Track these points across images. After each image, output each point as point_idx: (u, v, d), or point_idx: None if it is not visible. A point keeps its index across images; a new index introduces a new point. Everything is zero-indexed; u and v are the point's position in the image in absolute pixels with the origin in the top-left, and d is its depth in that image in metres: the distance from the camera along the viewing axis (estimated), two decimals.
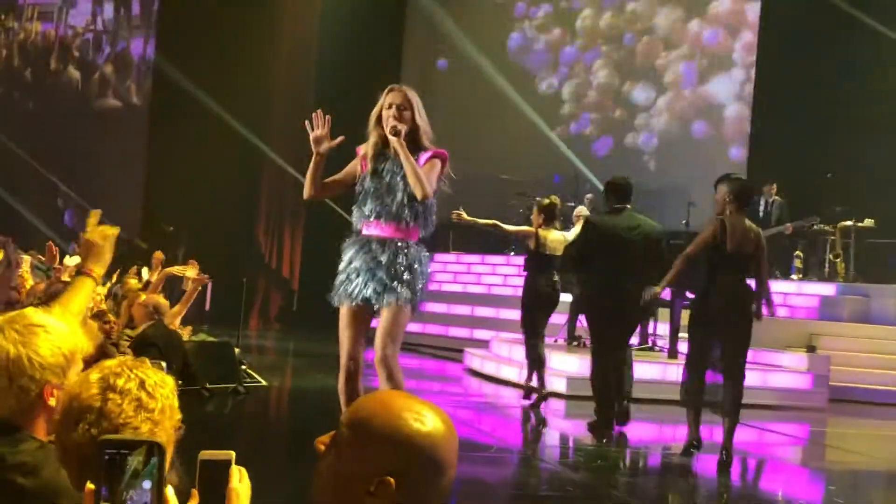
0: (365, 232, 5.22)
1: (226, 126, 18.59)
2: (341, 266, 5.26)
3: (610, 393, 8.15)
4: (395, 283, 5.09)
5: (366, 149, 5.28)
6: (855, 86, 15.81)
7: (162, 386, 1.81)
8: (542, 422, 9.83)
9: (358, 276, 5.15)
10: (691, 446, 7.38)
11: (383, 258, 5.10)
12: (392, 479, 1.64)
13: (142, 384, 1.77)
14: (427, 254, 5.32)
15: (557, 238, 9.44)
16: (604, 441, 8.01)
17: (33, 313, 2.24)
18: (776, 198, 13.47)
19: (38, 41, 21.76)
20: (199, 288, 9.37)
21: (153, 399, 1.77)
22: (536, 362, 9.68)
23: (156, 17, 21.27)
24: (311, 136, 5.18)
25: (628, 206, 8.18)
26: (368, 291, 5.12)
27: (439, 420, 1.72)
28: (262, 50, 20.14)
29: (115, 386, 1.75)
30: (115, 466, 1.44)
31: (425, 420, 1.70)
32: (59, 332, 2.21)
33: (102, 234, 3.06)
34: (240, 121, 18.82)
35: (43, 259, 10.22)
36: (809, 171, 15.70)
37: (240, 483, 1.71)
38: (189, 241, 18.54)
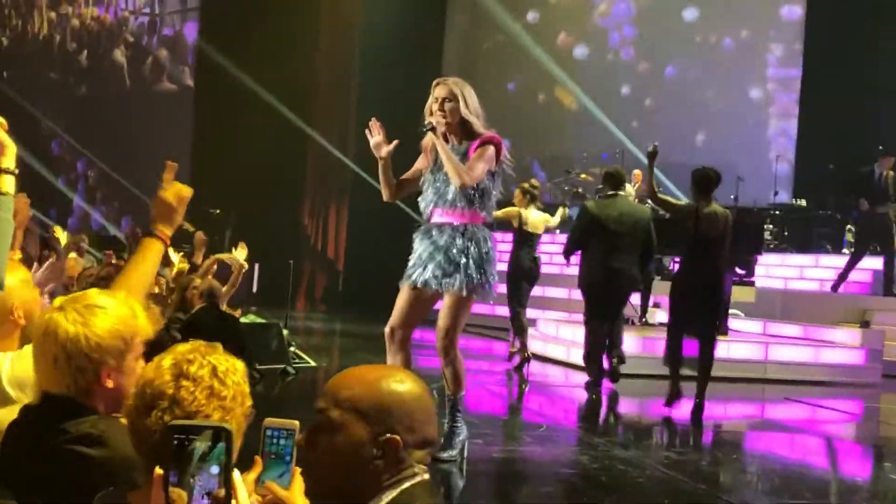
0: (430, 220, 5.52)
1: (270, 108, 18.66)
2: (412, 255, 5.57)
3: (599, 359, 9.11)
4: (453, 267, 5.33)
5: (427, 143, 5.54)
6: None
7: (234, 372, 1.80)
8: (593, 401, 9.79)
9: (422, 261, 5.45)
10: (673, 397, 8.30)
11: (442, 242, 5.38)
12: (397, 436, 1.80)
13: (214, 371, 1.77)
14: (488, 235, 5.46)
15: (538, 218, 10.36)
16: (594, 397, 9.10)
17: (96, 294, 2.23)
18: (890, 172, 12.80)
19: (93, 26, 21.95)
20: (244, 270, 9.40)
21: (225, 386, 1.77)
22: (520, 330, 10.60)
23: (199, 1, 21.36)
24: (371, 143, 5.45)
25: (621, 194, 9.05)
26: (428, 275, 5.40)
27: (410, 378, 1.90)
28: (306, 32, 20.18)
29: (188, 373, 1.75)
30: (183, 451, 1.44)
31: (402, 380, 1.88)
32: (119, 315, 2.20)
33: (177, 192, 2.81)
34: (284, 103, 18.87)
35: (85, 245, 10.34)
36: (859, 145, 15.45)
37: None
38: (235, 223, 18.68)
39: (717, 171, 8.19)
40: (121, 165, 20.79)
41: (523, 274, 10.41)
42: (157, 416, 1.70)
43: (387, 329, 5.61)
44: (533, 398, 9.92)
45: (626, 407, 9.76)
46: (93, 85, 21.59)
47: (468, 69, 19.77)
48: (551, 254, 16.61)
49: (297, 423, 1.76)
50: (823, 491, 6.32)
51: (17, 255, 7.36)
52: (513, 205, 10.44)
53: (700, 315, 7.99)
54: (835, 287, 13.07)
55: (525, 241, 10.36)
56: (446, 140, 5.44)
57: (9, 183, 2.42)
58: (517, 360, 10.75)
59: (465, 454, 5.88)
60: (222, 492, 1.45)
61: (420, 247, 5.51)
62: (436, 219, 5.49)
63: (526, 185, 10.52)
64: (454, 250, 5.36)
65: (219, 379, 1.77)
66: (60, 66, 22.19)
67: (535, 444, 6.89)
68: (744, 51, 18.18)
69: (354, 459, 1.80)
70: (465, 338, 13.77)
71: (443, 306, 5.54)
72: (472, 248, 5.36)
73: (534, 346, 12.22)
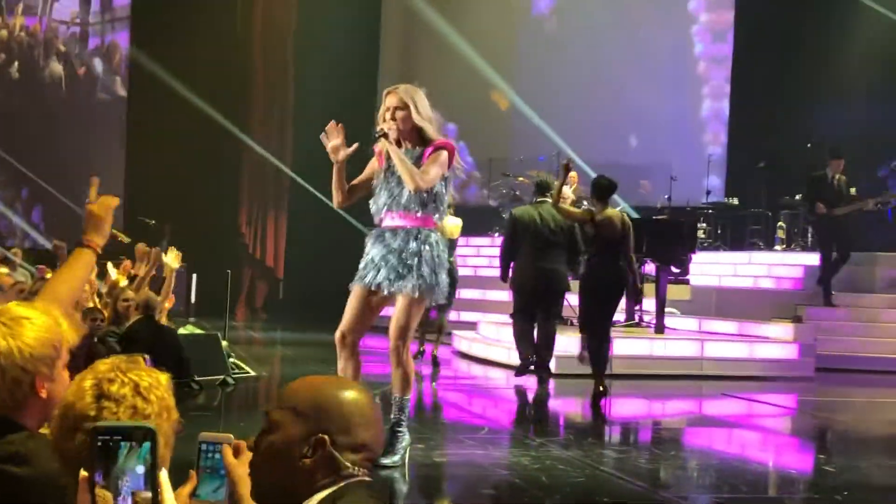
0: (382, 224, 5.63)
1: (205, 116, 18.50)
2: (363, 258, 5.67)
3: (526, 344, 9.86)
4: (406, 269, 5.44)
5: (380, 148, 5.62)
6: (833, 50, 15.86)
7: (157, 387, 1.79)
8: (532, 402, 9.88)
9: (374, 264, 5.55)
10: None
11: (395, 245, 5.49)
12: (326, 437, 1.83)
13: (136, 388, 1.76)
14: (440, 239, 5.60)
15: (454, 224, 11.22)
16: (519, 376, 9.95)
17: (16, 306, 2.22)
18: (842, 176, 12.82)
19: (23, 36, 21.56)
20: (174, 274, 9.29)
21: (148, 402, 1.76)
22: (440, 329, 11.68)
23: (129, 8, 21.08)
24: (329, 146, 5.50)
25: (547, 200, 9.58)
26: (381, 277, 5.51)
27: (355, 386, 1.95)
28: (240, 38, 20.06)
29: (110, 393, 1.74)
30: (108, 452, 1.45)
31: (343, 385, 1.94)
32: (45, 324, 2.19)
33: (104, 204, 2.91)
34: (219, 110, 18.72)
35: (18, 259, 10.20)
36: (789, 142, 15.76)
37: (237, 457, 1.82)
38: (171, 234, 18.48)
39: (612, 180, 8.89)
40: (53, 178, 20.47)
41: None
42: (82, 438, 1.68)
43: (337, 334, 5.66)
44: (475, 401, 9.98)
45: (566, 407, 9.87)
46: (25, 97, 21.23)
47: (405, 73, 19.82)
48: (490, 257, 16.69)
49: (230, 436, 1.78)
50: (761, 484, 6.45)
51: None
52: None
53: (602, 310, 8.80)
54: (827, 301, 12.97)
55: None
56: (399, 145, 5.53)
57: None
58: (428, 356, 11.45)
59: (407, 459, 5.91)
60: (148, 494, 1.46)
61: (373, 250, 5.60)
62: (388, 222, 5.60)
63: None
64: (407, 253, 5.46)
65: (142, 396, 1.76)
66: None
67: (476, 447, 6.94)
68: (674, 53, 18.43)
69: (286, 458, 1.84)
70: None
71: (396, 308, 5.61)
72: (425, 251, 5.48)
73: (475, 348, 12.31)
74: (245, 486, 1.83)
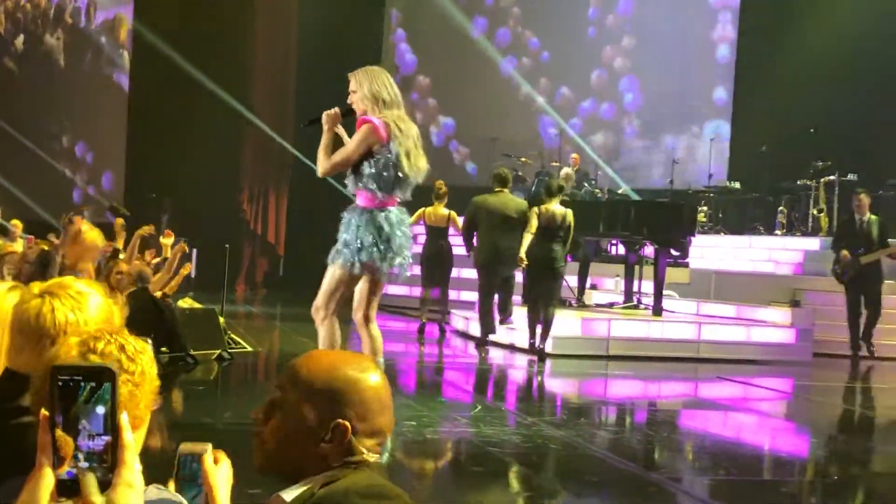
0: None
1: (208, 92, 18.46)
2: None
3: (490, 318, 10.98)
4: (340, 243, 5.72)
5: None
6: (833, 36, 15.76)
7: (142, 353, 1.80)
8: (527, 381, 9.90)
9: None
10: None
11: (343, 220, 5.78)
12: (347, 423, 1.81)
13: (122, 348, 1.77)
14: (368, 214, 5.68)
15: (442, 213, 12.17)
16: (485, 354, 10.77)
17: (75, 281, 2.31)
18: (872, 216, 11.82)
19: (28, 8, 21.51)
20: (180, 255, 9.33)
21: (133, 363, 1.76)
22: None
23: None
24: (330, 112, 5.74)
25: (505, 190, 10.90)
26: (332, 251, 5.81)
27: (371, 366, 1.92)
28: (245, 15, 20.00)
29: (96, 349, 1.75)
30: (67, 393, 1.45)
31: (363, 368, 1.89)
32: (104, 301, 2.29)
33: None
34: (222, 86, 18.68)
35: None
36: (793, 126, 15.71)
37: (215, 464, 1.80)
38: (173, 208, 18.50)
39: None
40: (54, 152, 20.48)
41: (425, 259, 12.28)
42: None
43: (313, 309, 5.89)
44: (470, 380, 9.99)
45: (561, 387, 9.88)
46: (28, 69, 21.19)
47: (409, 46, 19.83)
48: None
49: (209, 445, 1.80)
50: (754, 467, 6.46)
51: None
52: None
53: (543, 284, 10.13)
54: (868, 352, 12.08)
55: (430, 233, 12.32)
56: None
57: None
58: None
59: None
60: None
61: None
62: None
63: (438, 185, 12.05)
64: (341, 228, 5.73)
65: (127, 355, 1.78)
66: None
67: (468, 425, 6.95)
68: (686, 37, 18.36)
69: (302, 440, 1.82)
70: (405, 320, 13.86)
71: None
72: (353, 224, 5.67)
73: (472, 328, 12.30)
74: (218, 492, 1.83)
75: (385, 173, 5.61)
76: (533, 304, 10.36)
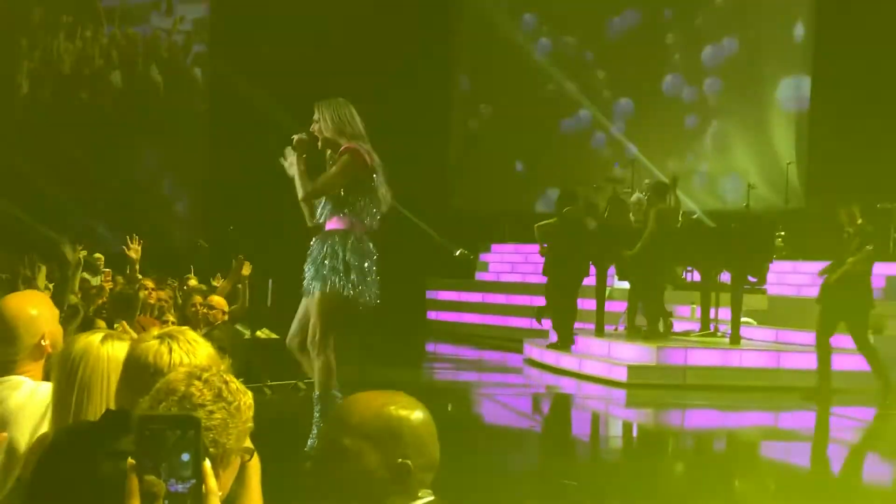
0: None
1: (284, 124, 18.71)
2: None
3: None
4: (315, 271, 5.75)
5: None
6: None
7: (243, 393, 1.92)
8: (603, 411, 9.82)
9: (307, 267, 5.88)
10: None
11: (313, 251, 5.83)
12: (409, 462, 1.86)
13: (226, 382, 1.89)
14: (350, 241, 5.74)
15: None
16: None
17: (189, 331, 2.44)
18: (849, 229, 10.35)
19: (124, 44, 22.14)
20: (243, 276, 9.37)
21: (232, 395, 1.88)
22: None
23: (209, 19, 21.48)
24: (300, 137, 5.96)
25: (569, 208, 11.94)
26: (305, 282, 5.85)
27: (413, 402, 1.96)
28: (315, 45, 20.27)
29: (201, 377, 1.88)
30: (155, 440, 1.52)
31: (407, 405, 1.94)
32: (211, 350, 2.39)
33: None
34: (298, 120, 18.89)
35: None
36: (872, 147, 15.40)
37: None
38: (250, 239, 18.75)
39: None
40: (136, 185, 20.97)
41: None
42: (165, 407, 1.82)
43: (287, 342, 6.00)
44: (545, 410, 9.93)
45: (639, 417, 9.77)
46: (122, 103, 21.83)
47: (476, 88, 19.94)
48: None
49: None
50: (842, 497, 6.31)
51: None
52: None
53: None
54: None
55: None
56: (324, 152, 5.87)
57: None
58: None
59: None
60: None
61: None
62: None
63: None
64: (318, 258, 5.74)
65: (228, 389, 1.89)
66: (91, 85, 22.43)
67: (545, 455, 6.92)
68: (751, 59, 18.15)
69: (368, 485, 1.85)
70: (479, 350, 13.85)
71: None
72: (338, 254, 5.69)
73: (546, 357, 12.22)
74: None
75: (369, 200, 5.74)
76: None
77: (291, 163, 5.89)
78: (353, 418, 1.91)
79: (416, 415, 1.91)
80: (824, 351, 9.81)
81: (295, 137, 5.88)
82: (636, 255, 10.95)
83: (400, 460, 1.85)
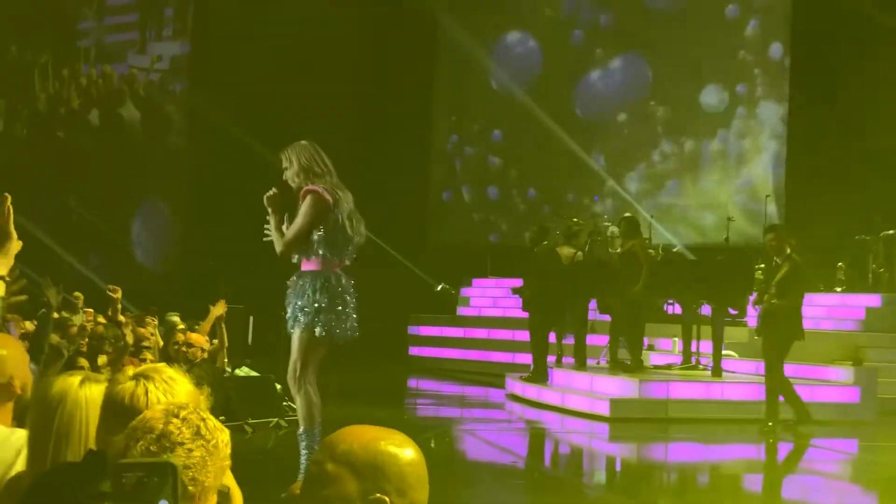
0: None
1: (263, 159, 18.72)
2: None
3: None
4: (290, 311, 5.86)
5: None
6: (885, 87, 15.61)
7: (220, 431, 1.92)
8: (586, 446, 9.80)
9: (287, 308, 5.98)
10: None
11: (289, 293, 5.93)
12: (386, 498, 1.83)
13: (203, 420, 1.89)
14: (324, 283, 5.83)
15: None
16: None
17: (167, 368, 2.43)
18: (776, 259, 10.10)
19: (100, 83, 22.18)
20: (221, 321, 9.34)
21: (210, 433, 1.88)
22: None
23: (188, 56, 21.55)
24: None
25: (545, 243, 12.01)
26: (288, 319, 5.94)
27: (407, 441, 1.94)
28: (296, 84, 20.33)
29: (179, 414, 1.88)
30: (132, 487, 1.52)
31: (399, 443, 1.91)
32: (191, 388, 2.39)
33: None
34: (277, 156, 18.89)
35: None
36: (851, 181, 15.52)
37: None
38: (230, 274, 18.70)
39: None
40: (114, 221, 20.91)
41: None
42: (143, 446, 1.82)
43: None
44: (527, 445, 9.90)
45: (622, 451, 9.75)
46: (101, 142, 21.83)
47: (456, 113, 20.03)
48: None
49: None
50: None
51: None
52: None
53: None
54: None
55: None
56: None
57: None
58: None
59: None
60: None
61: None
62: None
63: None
64: (293, 295, 5.85)
65: (206, 427, 1.88)
66: (70, 124, 22.45)
67: (528, 493, 6.89)
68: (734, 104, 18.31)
69: None
70: (460, 385, 13.81)
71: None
72: (307, 293, 5.78)
73: (528, 392, 12.20)
74: None
75: (335, 237, 5.79)
76: None
77: (269, 223, 5.99)
78: (341, 445, 1.89)
79: (406, 454, 1.89)
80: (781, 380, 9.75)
81: (266, 196, 5.97)
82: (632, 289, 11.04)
83: (378, 495, 1.83)
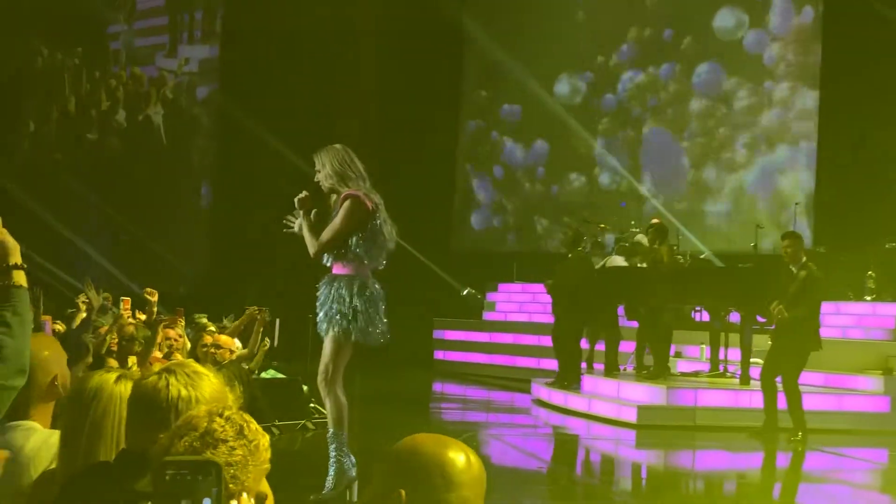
0: None
1: (291, 164, 18.79)
2: None
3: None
4: (324, 314, 5.90)
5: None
6: None
7: (262, 435, 1.96)
8: (613, 452, 9.76)
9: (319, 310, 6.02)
10: None
11: (321, 296, 5.96)
12: (403, 492, 1.84)
13: (246, 422, 1.93)
14: (357, 285, 5.85)
15: None
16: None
17: (195, 363, 2.45)
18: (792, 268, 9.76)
19: (130, 85, 22.33)
20: (261, 326, 9.40)
21: (252, 434, 1.92)
22: None
23: (219, 57, 21.64)
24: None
25: (579, 248, 12.15)
26: (318, 324, 6.01)
27: (452, 446, 1.92)
28: (325, 87, 20.39)
29: (223, 414, 1.92)
30: (175, 484, 1.52)
31: (437, 444, 1.92)
32: (218, 383, 2.40)
33: None
34: (305, 159, 18.95)
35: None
36: (880, 187, 15.41)
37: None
38: (258, 278, 18.76)
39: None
40: (143, 223, 21.03)
41: None
42: (187, 442, 1.85)
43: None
44: (553, 451, 9.87)
45: (649, 458, 9.71)
46: (129, 144, 21.98)
47: (487, 110, 20.02)
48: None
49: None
50: None
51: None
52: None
53: None
54: None
55: None
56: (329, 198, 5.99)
57: (21, 277, 2.51)
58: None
59: (353, 496, 5.96)
60: None
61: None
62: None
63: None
64: (325, 300, 5.88)
65: (248, 428, 1.92)
66: (100, 127, 22.61)
67: (553, 499, 6.87)
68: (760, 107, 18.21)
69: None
70: (486, 390, 13.79)
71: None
72: (343, 297, 5.80)
73: (554, 397, 12.18)
74: None
75: (373, 242, 5.81)
76: None
77: (299, 224, 6.00)
78: (390, 446, 1.93)
79: (436, 452, 1.88)
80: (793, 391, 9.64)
81: (297, 198, 6.00)
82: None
83: (398, 491, 1.84)
